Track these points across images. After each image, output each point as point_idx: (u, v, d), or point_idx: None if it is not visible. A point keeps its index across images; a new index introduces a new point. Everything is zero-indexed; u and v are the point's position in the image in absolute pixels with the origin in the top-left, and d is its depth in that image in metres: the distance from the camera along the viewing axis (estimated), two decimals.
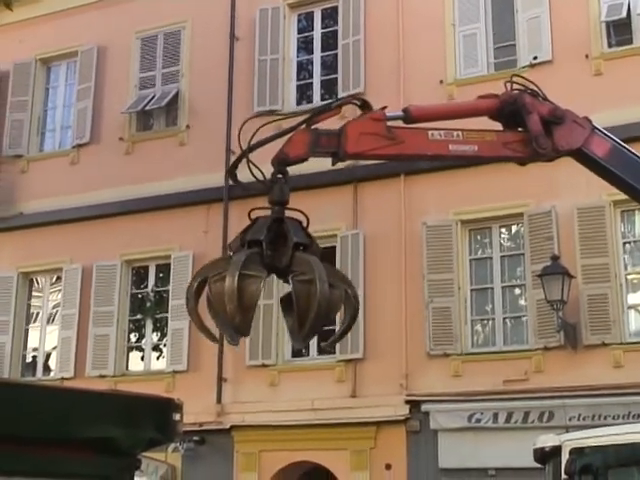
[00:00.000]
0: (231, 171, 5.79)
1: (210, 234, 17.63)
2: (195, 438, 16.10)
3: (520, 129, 6.59)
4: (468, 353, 15.65)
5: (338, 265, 16.61)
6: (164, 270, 18.17)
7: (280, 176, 5.58)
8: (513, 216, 15.87)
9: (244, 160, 5.64)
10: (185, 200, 18.02)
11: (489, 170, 15.41)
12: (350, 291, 5.34)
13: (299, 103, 18.11)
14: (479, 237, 16.37)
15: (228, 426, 15.75)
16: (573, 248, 15.19)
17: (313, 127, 5.92)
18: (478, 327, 16.12)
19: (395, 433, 15.52)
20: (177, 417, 4.88)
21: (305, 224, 5.40)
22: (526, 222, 15.68)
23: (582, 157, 6.83)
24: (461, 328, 15.70)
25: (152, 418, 4.95)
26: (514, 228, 16.24)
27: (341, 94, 16.91)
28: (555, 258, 14.83)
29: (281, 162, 5.65)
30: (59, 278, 19.17)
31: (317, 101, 17.72)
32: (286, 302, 5.39)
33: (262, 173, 5.45)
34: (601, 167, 6.89)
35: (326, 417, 15.76)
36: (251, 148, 5.67)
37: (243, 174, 5.78)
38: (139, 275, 18.74)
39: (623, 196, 15.34)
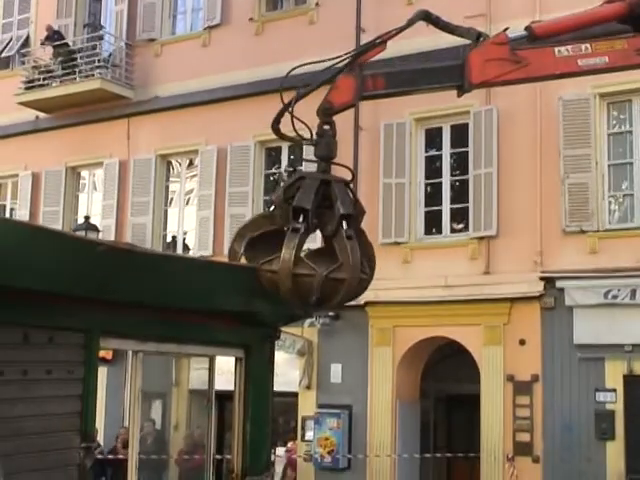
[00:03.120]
0: (274, 127, 5.51)
1: (342, 113, 17.49)
2: (331, 314, 16.45)
3: None
4: (605, 230, 15.34)
5: (471, 143, 16.44)
6: (296, 150, 18.31)
7: (327, 127, 5.33)
8: None
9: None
10: (316, 79, 17.92)
11: None
12: (370, 272, 5.31)
13: None
14: (618, 111, 15.83)
15: (362, 302, 15.99)
16: None
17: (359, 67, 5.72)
18: (615, 203, 15.76)
19: (529, 309, 15.48)
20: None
21: (350, 177, 5.23)
22: None
23: None
24: (598, 204, 15.37)
25: None
26: None
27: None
28: None
29: (326, 111, 5.44)
30: (193, 162, 19.58)
31: None
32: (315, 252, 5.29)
33: (307, 127, 5.22)
34: None
35: (459, 293, 15.83)
36: (297, 99, 5.46)
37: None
38: (272, 155, 18.96)
39: None
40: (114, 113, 20.14)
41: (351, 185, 5.27)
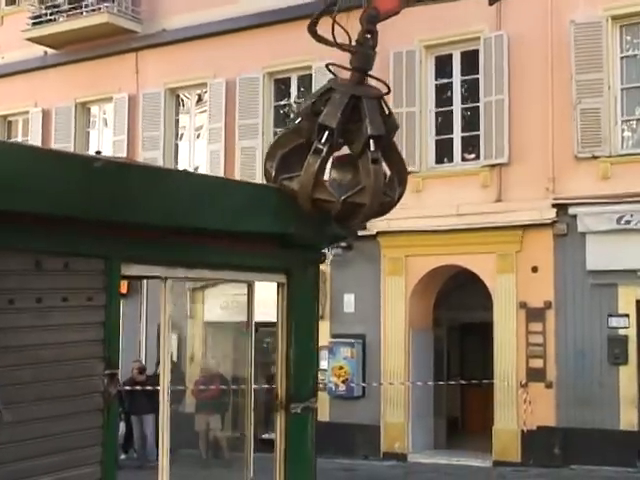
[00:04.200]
0: (311, 27, 5.10)
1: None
2: (343, 244, 16.46)
3: None
4: (618, 155, 15.24)
5: (481, 69, 16.26)
6: (306, 81, 18.18)
7: (368, 36, 4.95)
8: None
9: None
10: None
11: None
12: (400, 188, 5.10)
13: None
14: (631, 34, 15.60)
15: (374, 232, 15.99)
16: None
17: None
18: (628, 129, 15.62)
19: (541, 236, 15.48)
20: None
21: (385, 91, 4.95)
22: None
23: None
24: (610, 129, 15.24)
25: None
26: None
27: None
28: None
29: (370, 19, 5.02)
30: (202, 96, 19.49)
31: None
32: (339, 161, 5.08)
33: (348, 34, 4.84)
34: None
35: (471, 222, 15.81)
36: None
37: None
38: (281, 88, 18.84)
39: None
40: (122, 47, 20.03)
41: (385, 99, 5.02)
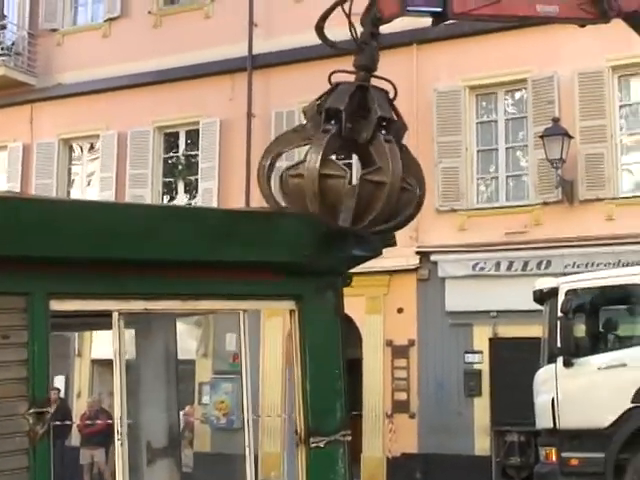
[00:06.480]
0: (319, 25, 5.01)
1: (235, 102, 18.89)
2: None
3: None
4: (474, 208, 17.03)
5: None
6: (193, 135, 19.51)
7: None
8: (517, 82, 17.02)
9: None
10: (211, 70, 19.18)
11: (495, 38, 16.63)
12: (419, 191, 4.85)
13: None
14: (486, 102, 17.56)
15: None
16: (573, 111, 16.35)
17: None
18: (483, 185, 17.48)
19: (406, 281, 17.07)
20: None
21: (392, 94, 4.89)
22: (529, 87, 16.81)
23: (636, 21, 7.09)
24: (467, 186, 17.04)
25: (348, 235, 4.64)
26: (518, 93, 17.38)
27: None
28: (556, 120, 16.03)
29: (374, 21, 4.93)
30: (94, 145, 20.58)
31: None
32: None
33: (354, 29, 4.75)
34: None
35: None
36: None
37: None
38: (170, 140, 20.11)
39: (622, 61, 16.48)
40: (17, 99, 20.96)
41: (392, 99, 4.93)
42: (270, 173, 4.65)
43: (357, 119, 4.62)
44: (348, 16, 4.68)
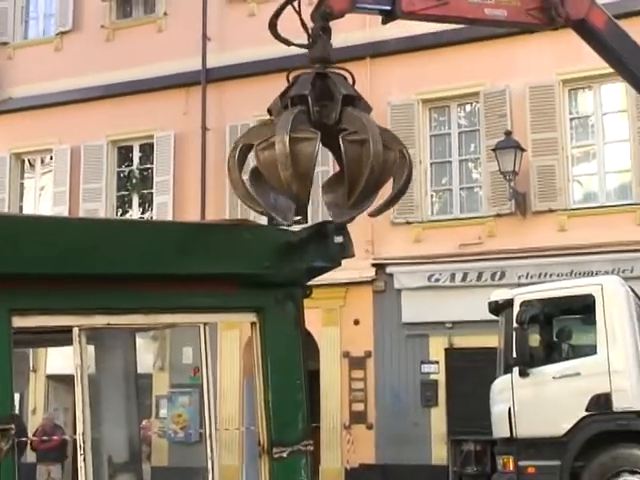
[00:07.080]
0: (272, 22, 5.09)
1: (189, 115, 18.92)
2: None
3: None
4: (428, 220, 17.22)
5: None
6: (147, 149, 19.48)
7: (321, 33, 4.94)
8: (470, 95, 17.27)
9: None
10: (165, 83, 19.18)
11: (447, 52, 16.88)
12: (405, 151, 4.73)
13: None
14: (438, 115, 17.77)
15: None
16: (524, 124, 16.63)
17: None
18: (437, 197, 17.67)
19: (362, 293, 17.19)
20: (339, 239, 4.52)
21: (350, 82, 4.86)
22: (482, 100, 17.06)
23: (584, 29, 7.36)
24: (421, 198, 17.21)
25: (308, 246, 4.52)
26: (470, 107, 17.62)
27: None
28: (508, 133, 16.30)
29: (324, 16, 5.05)
30: (49, 159, 20.45)
31: None
32: (329, 182, 4.88)
33: (305, 25, 4.82)
34: (599, 41, 7.51)
35: None
36: None
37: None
38: (124, 154, 20.05)
39: (571, 75, 16.79)
40: None
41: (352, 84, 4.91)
42: (241, 163, 4.66)
43: (324, 104, 4.67)
44: (298, 13, 4.81)
